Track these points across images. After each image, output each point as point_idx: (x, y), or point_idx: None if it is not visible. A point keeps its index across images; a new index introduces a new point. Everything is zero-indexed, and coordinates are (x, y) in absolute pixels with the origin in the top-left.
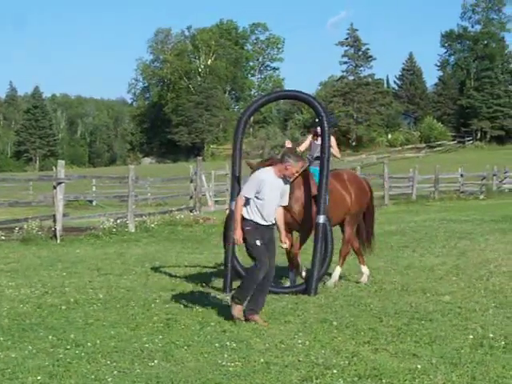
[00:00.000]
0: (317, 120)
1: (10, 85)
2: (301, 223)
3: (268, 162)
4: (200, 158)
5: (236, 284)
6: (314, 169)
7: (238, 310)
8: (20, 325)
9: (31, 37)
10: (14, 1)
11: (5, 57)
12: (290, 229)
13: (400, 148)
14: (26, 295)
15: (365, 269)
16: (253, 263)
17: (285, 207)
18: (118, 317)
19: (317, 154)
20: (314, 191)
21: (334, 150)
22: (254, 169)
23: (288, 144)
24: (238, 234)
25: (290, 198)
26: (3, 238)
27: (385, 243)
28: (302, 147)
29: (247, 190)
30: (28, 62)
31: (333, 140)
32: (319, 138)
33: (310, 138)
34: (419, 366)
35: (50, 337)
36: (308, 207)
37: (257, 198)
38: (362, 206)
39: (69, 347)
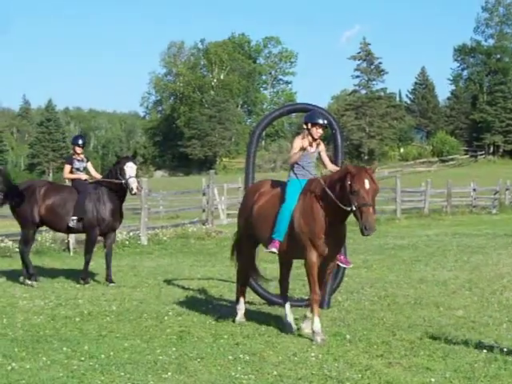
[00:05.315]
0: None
1: (23, 98)
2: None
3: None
4: (212, 171)
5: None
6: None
7: None
8: (34, 336)
9: (44, 51)
10: (24, 16)
11: (18, 70)
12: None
13: (412, 162)
14: (40, 307)
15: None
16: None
17: None
18: (131, 329)
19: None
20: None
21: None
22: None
23: None
24: None
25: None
26: (16, 249)
27: (397, 257)
28: (295, 158)
29: None
30: (41, 75)
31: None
32: (314, 145)
33: (300, 142)
34: (433, 380)
35: (64, 348)
36: None
37: None
38: None
39: (83, 359)
